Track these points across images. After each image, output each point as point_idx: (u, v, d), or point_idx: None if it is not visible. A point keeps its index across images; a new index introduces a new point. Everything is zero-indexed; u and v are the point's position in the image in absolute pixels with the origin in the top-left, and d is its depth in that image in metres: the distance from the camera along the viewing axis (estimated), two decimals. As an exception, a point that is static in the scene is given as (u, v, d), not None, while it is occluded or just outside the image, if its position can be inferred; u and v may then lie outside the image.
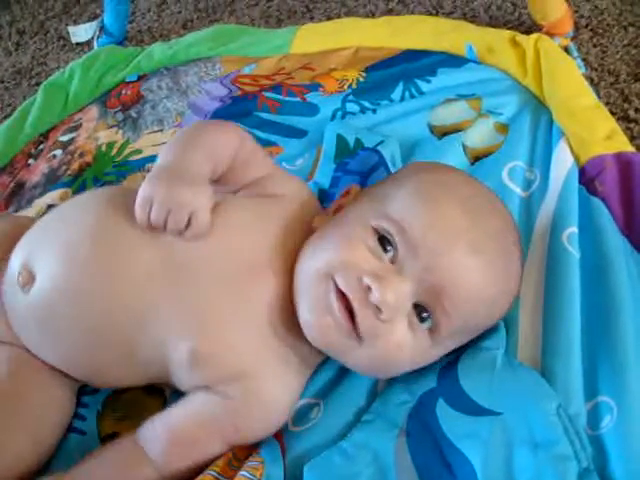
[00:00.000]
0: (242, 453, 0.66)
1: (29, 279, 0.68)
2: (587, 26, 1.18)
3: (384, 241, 0.63)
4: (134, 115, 1.09)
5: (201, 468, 0.64)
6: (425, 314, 0.62)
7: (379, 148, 0.88)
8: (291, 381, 0.68)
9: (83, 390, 0.74)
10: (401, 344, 0.62)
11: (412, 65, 1.05)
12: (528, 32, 1.06)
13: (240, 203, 0.72)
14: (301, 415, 0.69)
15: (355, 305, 0.60)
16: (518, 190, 0.85)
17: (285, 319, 0.66)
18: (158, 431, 0.65)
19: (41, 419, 0.69)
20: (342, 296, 0.61)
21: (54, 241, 0.69)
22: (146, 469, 0.64)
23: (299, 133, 0.99)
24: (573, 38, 1.14)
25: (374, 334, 0.61)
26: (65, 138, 1.09)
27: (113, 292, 0.66)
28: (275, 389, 0.66)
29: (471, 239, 0.62)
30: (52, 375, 0.70)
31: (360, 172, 0.86)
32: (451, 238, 0.61)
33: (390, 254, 0.62)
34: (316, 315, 0.63)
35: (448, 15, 1.28)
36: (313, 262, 0.64)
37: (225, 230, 0.68)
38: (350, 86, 1.03)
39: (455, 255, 0.61)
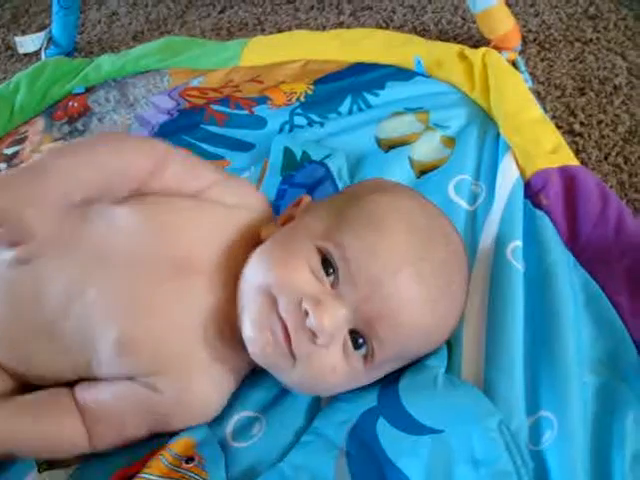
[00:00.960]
0: (180, 449, 0.64)
1: None
2: (535, 40, 1.19)
3: (327, 263, 0.62)
4: (80, 128, 1.08)
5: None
6: (361, 340, 0.62)
7: (326, 161, 0.88)
8: (222, 380, 0.68)
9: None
10: (334, 367, 0.62)
11: (360, 78, 1.05)
12: (477, 46, 1.07)
13: (191, 205, 0.71)
14: (241, 430, 0.68)
15: (290, 328, 0.60)
16: (464, 204, 0.85)
17: (221, 324, 0.66)
18: (86, 400, 0.66)
19: None
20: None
21: None
22: (71, 419, 0.65)
23: (246, 146, 0.98)
24: (521, 52, 1.15)
25: (308, 355, 0.61)
26: (10, 151, 1.07)
27: (41, 270, 0.66)
28: (205, 388, 0.66)
29: (412, 273, 0.61)
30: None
31: (306, 185, 0.86)
32: (391, 271, 0.61)
33: (332, 277, 0.62)
34: (257, 331, 0.62)
35: (399, 29, 1.29)
36: (256, 278, 0.64)
37: (168, 227, 0.68)
38: (298, 99, 1.02)
39: (393, 289, 0.60)
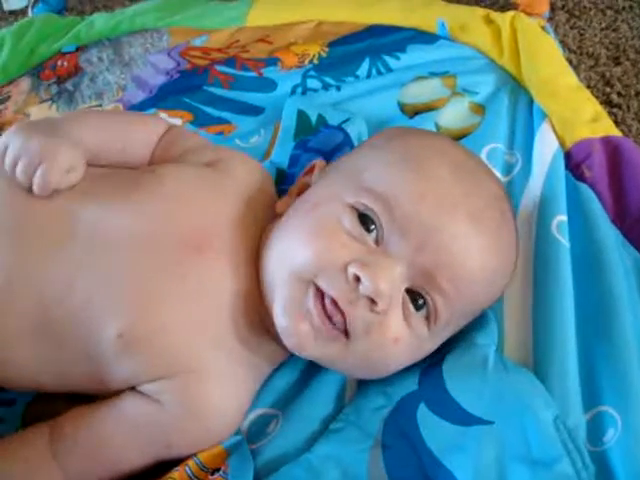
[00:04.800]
0: (208, 459, 0.56)
1: None
2: (563, 8, 1.15)
3: (365, 219, 0.55)
4: (70, 88, 1.01)
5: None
6: (421, 300, 0.55)
7: (344, 126, 0.81)
8: (241, 384, 0.59)
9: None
10: (397, 337, 0.54)
11: (379, 41, 0.98)
12: (501, 11, 1.00)
13: (190, 171, 0.64)
14: (256, 431, 0.60)
15: (343, 303, 0.52)
16: (498, 174, 0.77)
17: (245, 313, 0.58)
18: (79, 440, 0.56)
19: None
20: (321, 296, 0.53)
21: None
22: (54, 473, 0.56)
23: (254, 110, 0.91)
24: (549, 20, 1.08)
25: (367, 331, 0.53)
26: (-9, 111, 0.99)
27: (19, 262, 0.57)
28: (219, 396, 0.57)
29: (468, 208, 0.55)
30: None
31: (322, 151, 0.78)
32: (447, 209, 0.54)
33: (374, 234, 0.55)
34: (293, 321, 0.54)
35: (417, -9, 1.21)
36: (285, 262, 0.56)
37: (175, 199, 0.60)
38: (311, 61, 0.96)
39: (453, 229, 0.54)
